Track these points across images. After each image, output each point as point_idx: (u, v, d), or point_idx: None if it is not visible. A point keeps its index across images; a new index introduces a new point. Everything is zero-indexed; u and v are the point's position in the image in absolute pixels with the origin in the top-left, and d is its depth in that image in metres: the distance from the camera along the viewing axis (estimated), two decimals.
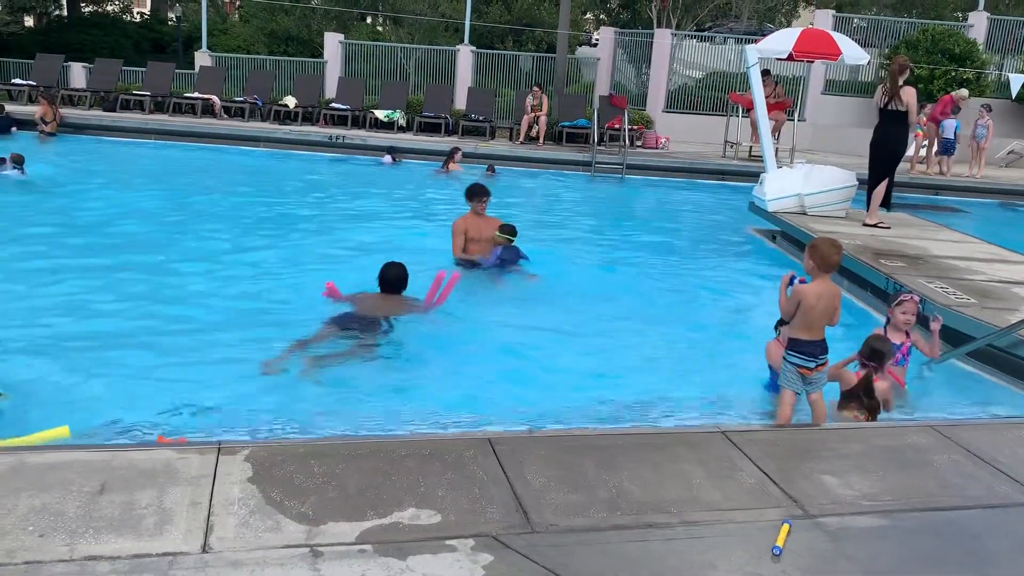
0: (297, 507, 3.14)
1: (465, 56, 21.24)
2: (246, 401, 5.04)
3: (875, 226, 9.85)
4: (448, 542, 2.99)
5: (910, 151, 16.17)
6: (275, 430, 4.67)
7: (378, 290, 6.55)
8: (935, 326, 5.85)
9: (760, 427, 4.61)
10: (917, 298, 5.80)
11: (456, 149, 15.50)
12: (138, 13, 39.47)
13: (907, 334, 5.64)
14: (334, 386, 5.35)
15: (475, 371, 5.71)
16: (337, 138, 17.35)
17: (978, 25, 20.87)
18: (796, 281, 4.66)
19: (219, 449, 3.55)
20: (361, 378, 5.52)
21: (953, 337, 6.16)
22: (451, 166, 15.11)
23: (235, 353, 5.83)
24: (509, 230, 8.16)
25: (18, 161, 11.94)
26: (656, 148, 18.64)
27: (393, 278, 6.55)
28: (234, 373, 5.48)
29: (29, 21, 33.82)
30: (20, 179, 11.79)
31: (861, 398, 4.83)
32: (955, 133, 16.55)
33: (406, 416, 4.91)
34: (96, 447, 3.68)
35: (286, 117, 19.26)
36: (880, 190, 9.95)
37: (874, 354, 5.03)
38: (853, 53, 13.75)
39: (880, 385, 4.92)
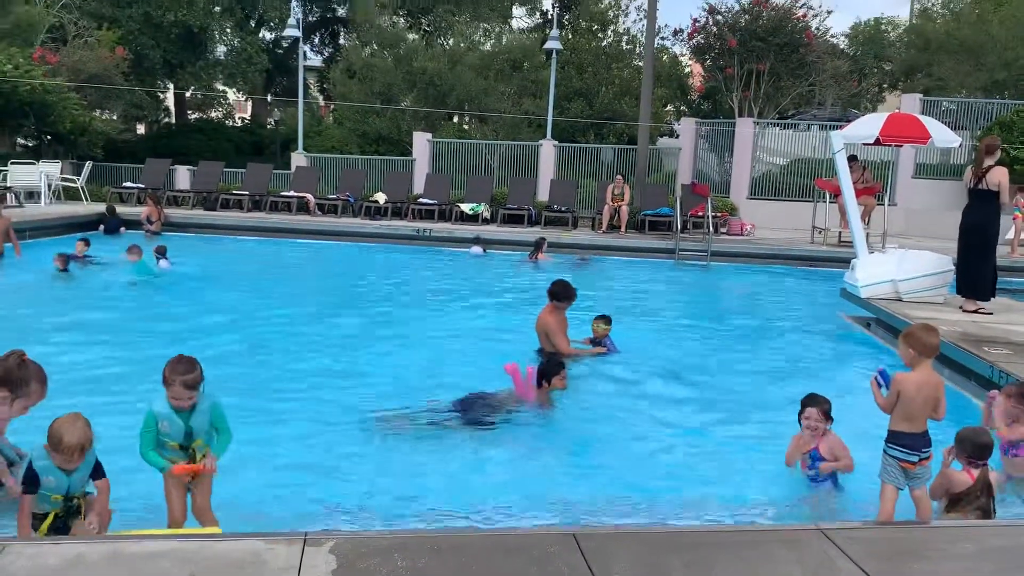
0: None
1: (547, 150, 21.72)
2: (336, 487, 5.10)
3: (976, 312, 9.45)
4: None
5: (1009, 234, 15.63)
6: (362, 517, 4.70)
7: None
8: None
9: (861, 524, 4.38)
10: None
11: (543, 239, 15.70)
12: (239, 118, 41.94)
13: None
14: (418, 474, 5.37)
15: (561, 464, 5.66)
16: (424, 231, 17.81)
17: None
18: (879, 376, 4.48)
19: (305, 540, 3.57)
20: (453, 465, 5.53)
21: None
22: (540, 256, 15.28)
23: (323, 437, 5.94)
24: (608, 320, 8.31)
25: (162, 252, 13.11)
26: (741, 235, 18.49)
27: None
28: (323, 458, 5.58)
29: (140, 128, 36.31)
30: (167, 270, 12.86)
31: (979, 498, 4.40)
32: None
33: (490, 508, 4.87)
34: (187, 537, 3.74)
35: (376, 212, 19.92)
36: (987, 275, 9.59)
37: (983, 450, 4.68)
38: (943, 136, 13.51)
39: (996, 479, 4.60)
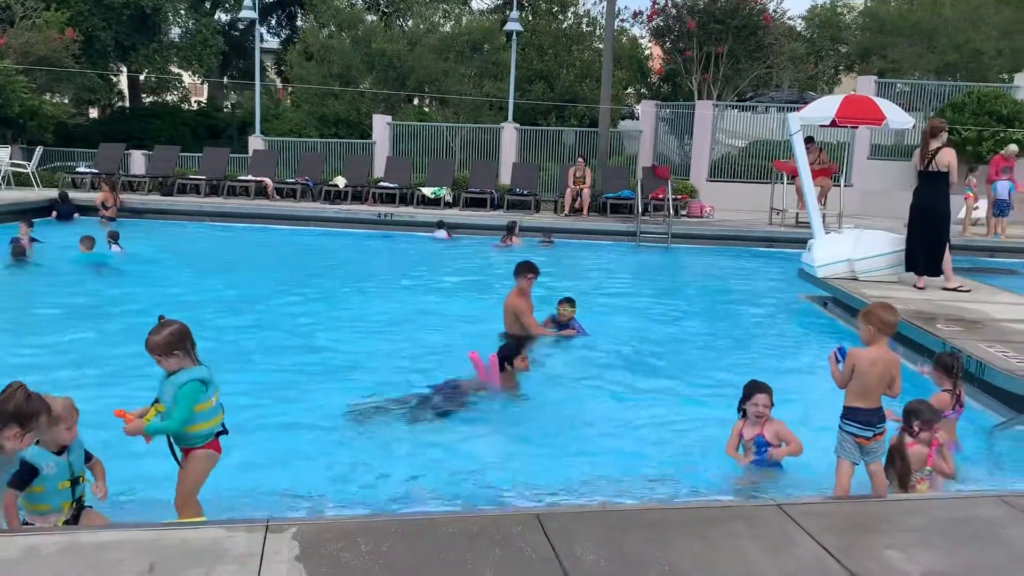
0: None
1: (509, 133, 21.66)
2: (296, 474, 5.08)
3: (955, 290, 9.63)
4: None
5: (960, 214, 15.96)
6: (325, 504, 4.68)
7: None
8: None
9: (817, 500, 4.45)
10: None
11: (514, 223, 15.61)
12: (195, 102, 41.19)
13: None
14: (383, 459, 5.36)
15: (526, 446, 5.70)
16: (385, 215, 17.69)
17: None
18: (838, 351, 4.55)
19: (267, 527, 3.54)
20: (419, 451, 5.54)
21: (1016, 403, 5.94)
22: (513, 240, 15.22)
23: (288, 424, 5.90)
24: (572, 302, 8.35)
25: (115, 238, 12.92)
26: (701, 216, 18.64)
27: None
28: (285, 445, 5.55)
29: (93, 112, 35.49)
30: (120, 255, 12.67)
31: (894, 463, 4.56)
32: (1009, 194, 16.28)
33: (455, 490, 4.89)
34: (145, 526, 3.70)
35: (336, 196, 19.73)
36: (948, 256, 9.75)
37: (905, 415, 4.80)
38: (897, 118, 13.71)
39: (916, 450, 4.64)
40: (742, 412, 5.35)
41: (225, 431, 4.24)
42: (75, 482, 3.89)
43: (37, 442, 3.75)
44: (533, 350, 7.59)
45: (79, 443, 3.92)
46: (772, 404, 5.24)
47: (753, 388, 5.30)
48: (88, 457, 4.02)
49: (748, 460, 5.25)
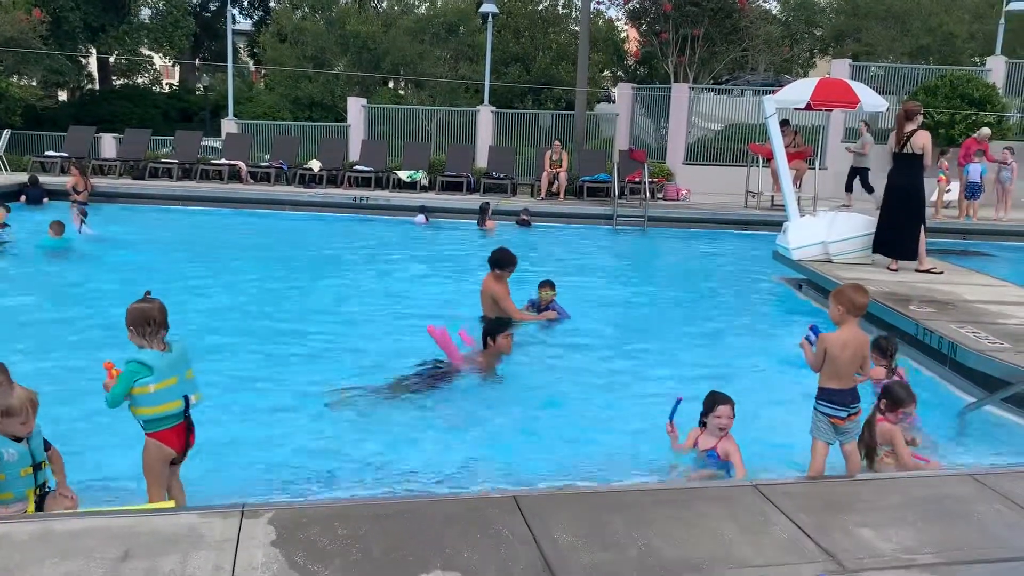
0: (321, 571, 3.09)
1: (485, 116, 21.57)
2: (273, 458, 5.05)
3: (928, 271, 9.73)
4: None
5: (933, 196, 16.11)
6: (301, 489, 4.66)
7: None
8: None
9: (793, 480, 4.50)
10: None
11: (487, 204, 15.53)
12: (167, 84, 40.61)
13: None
14: (362, 442, 5.35)
15: (504, 428, 5.70)
16: (361, 199, 17.57)
17: (996, 69, 20.91)
18: (811, 333, 4.58)
19: (243, 512, 3.52)
20: (396, 434, 5.53)
21: (987, 383, 6.03)
22: (489, 224, 15.15)
23: (265, 409, 5.87)
24: (552, 286, 8.34)
25: (83, 215, 12.79)
26: (677, 200, 18.70)
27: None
28: (261, 429, 5.52)
29: (62, 95, 34.91)
30: (91, 236, 12.54)
31: (863, 434, 4.78)
32: (980, 177, 16.46)
33: (433, 473, 4.88)
34: (119, 513, 3.66)
35: (311, 180, 19.56)
36: (923, 238, 9.85)
37: (882, 393, 5.04)
38: (871, 101, 13.79)
39: (884, 426, 4.86)
40: (702, 424, 5.04)
41: (188, 425, 4.06)
42: (37, 467, 3.83)
43: None
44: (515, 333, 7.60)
45: (38, 430, 3.85)
46: (734, 416, 4.95)
47: (715, 400, 4.99)
48: (47, 446, 3.95)
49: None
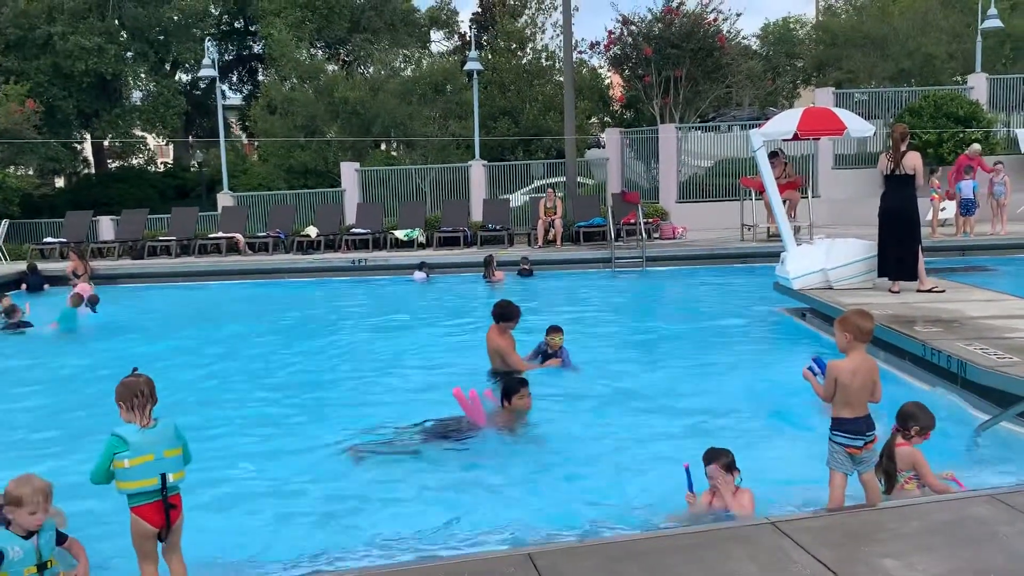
0: None
1: (477, 170, 21.78)
2: (279, 526, 4.98)
3: (930, 291, 9.70)
4: None
5: (928, 215, 16.16)
6: (312, 556, 4.58)
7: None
8: None
9: (811, 514, 4.41)
10: None
11: (491, 256, 15.56)
12: (162, 163, 41.10)
13: None
14: (375, 504, 5.28)
15: (518, 482, 5.61)
16: (359, 261, 17.64)
17: (978, 86, 21.15)
18: (814, 364, 4.54)
19: None
20: (402, 494, 5.47)
21: (999, 399, 5.96)
22: (498, 275, 15.18)
23: (273, 474, 5.80)
24: (560, 331, 8.32)
25: (93, 302, 12.83)
26: (674, 238, 18.77)
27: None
28: (269, 493, 5.46)
29: (59, 181, 35.29)
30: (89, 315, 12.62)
31: (882, 462, 4.64)
32: (973, 192, 16.54)
33: (445, 533, 4.80)
34: None
35: (308, 247, 19.67)
36: (921, 258, 9.83)
37: (899, 417, 4.89)
38: (857, 126, 13.90)
39: (904, 451, 4.73)
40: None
41: (167, 503, 3.92)
42: (42, 567, 3.68)
43: (8, 524, 3.61)
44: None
45: (49, 525, 3.73)
46: (731, 470, 4.74)
47: (706, 459, 4.80)
48: (62, 538, 3.84)
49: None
